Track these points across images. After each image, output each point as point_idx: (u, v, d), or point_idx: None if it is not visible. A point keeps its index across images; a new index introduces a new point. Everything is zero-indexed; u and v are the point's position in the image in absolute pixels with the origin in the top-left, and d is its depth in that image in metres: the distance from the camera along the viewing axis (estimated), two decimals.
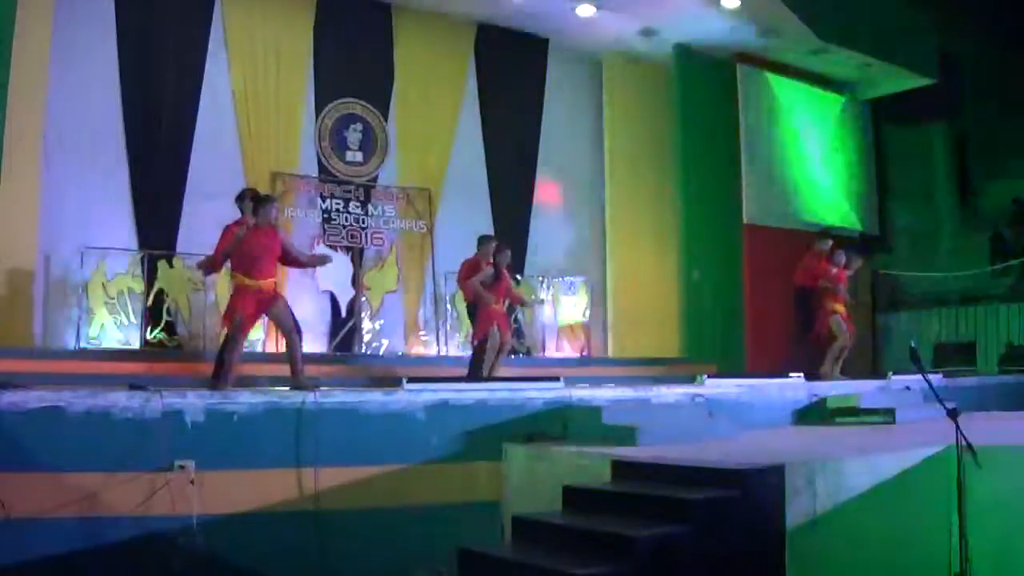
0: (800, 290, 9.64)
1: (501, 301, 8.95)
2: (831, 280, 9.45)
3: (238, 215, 7.22)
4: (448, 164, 11.56)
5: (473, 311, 8.89)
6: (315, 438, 5.49)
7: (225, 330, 6.91)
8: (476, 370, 8.56)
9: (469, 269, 8.81)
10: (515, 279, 11.61)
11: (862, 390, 8.39)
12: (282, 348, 8.07)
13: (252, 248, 6.64)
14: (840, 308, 9.55)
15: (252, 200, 6.97)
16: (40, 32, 8.94)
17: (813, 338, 9.54)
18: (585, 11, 11.43)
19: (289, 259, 7.22)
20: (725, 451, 5.39)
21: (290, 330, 6.75)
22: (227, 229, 6.98)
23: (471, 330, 9.21)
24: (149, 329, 9.35)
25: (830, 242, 9.80)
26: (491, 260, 8.83)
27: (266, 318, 7.33)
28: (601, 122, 12.88)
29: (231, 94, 10.18)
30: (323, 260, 7.86)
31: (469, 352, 9.35)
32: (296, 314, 6.84)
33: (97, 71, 9.43)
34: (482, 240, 9.02)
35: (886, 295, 15.58)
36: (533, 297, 11.61)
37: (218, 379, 6.58)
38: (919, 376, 5.65)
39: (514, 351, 11.42)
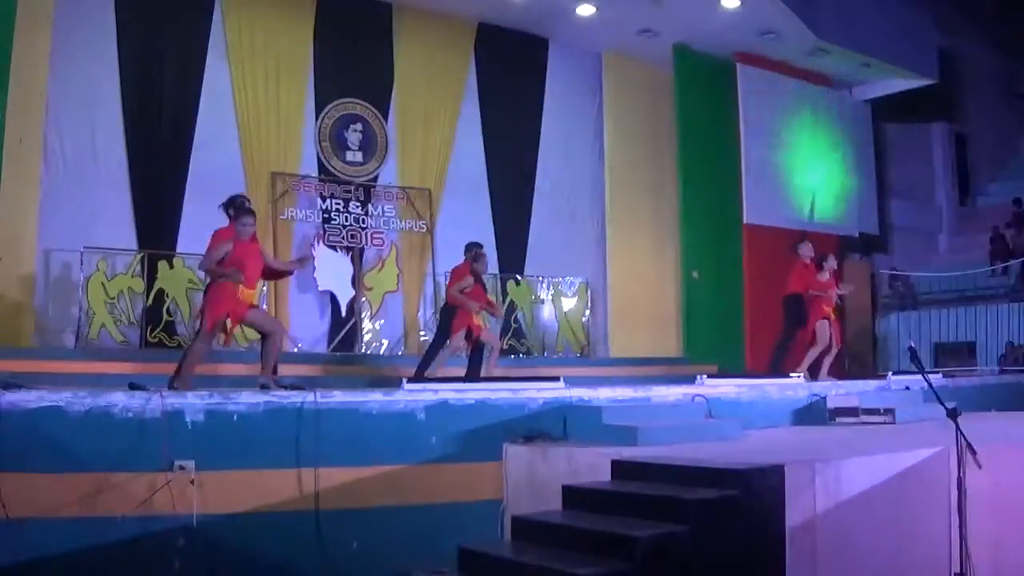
0: (791, 297, 9.55)
1: (483, 308, 8.87)
2: (821, 289, 9.39)
3: None
4: (448, 164, 11.56)
5: (448, 316, 8.89)
6: (315, 438, 5.49)
7: (201, 327, 6.63)
8: (423, 368, 8.58)
9: (458, 277, 8.82)
10: (515, 279, 11.65)
11: (862, 390, 8.39)
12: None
13: (242, 259, 6.47)
14: (830, 312, 9.49)
15: (233, 210, 6.73)
16: (40, 33, 8.96)
17: (808, 339, 9.48)
18: (585, 11, 11.44)
19: (271, 271, 7.14)
20: (725, 451, 5.39)
21: (275, 329, 6.68)
22: (216, 235, 6.76)
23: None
24: (149, 329, 9.35)
25: (809, 244, 9.73)
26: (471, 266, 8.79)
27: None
28: (601, 122, 12.88)
29: (231, 94, 10.18)
30: (303, 262, 7.80)
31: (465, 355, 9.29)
32: (297, 314, 6.83)
33: (97, 72, 9.43)
34: (469, 247, 9.01)
35: (886, 295, 15.60)
36: (533, 301, 11.61)
37: (181, 378, 6.27)
38: (919, 376, 5.66)
39: (514, 351, 11.45)
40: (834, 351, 9.52)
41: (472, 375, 8.44)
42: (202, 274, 9.46)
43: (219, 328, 6.53)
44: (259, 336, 6.84)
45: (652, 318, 12.58)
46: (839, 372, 9.74)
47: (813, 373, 9.30)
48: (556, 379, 6.86)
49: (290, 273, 7.82)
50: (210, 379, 7.17)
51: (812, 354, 9.33)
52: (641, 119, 12.89)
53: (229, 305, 6.43)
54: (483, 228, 11.13)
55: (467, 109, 11.75)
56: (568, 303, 12.22)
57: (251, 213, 6.70)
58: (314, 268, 10.24)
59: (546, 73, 12.41)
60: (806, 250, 9.60)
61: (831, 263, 9.65)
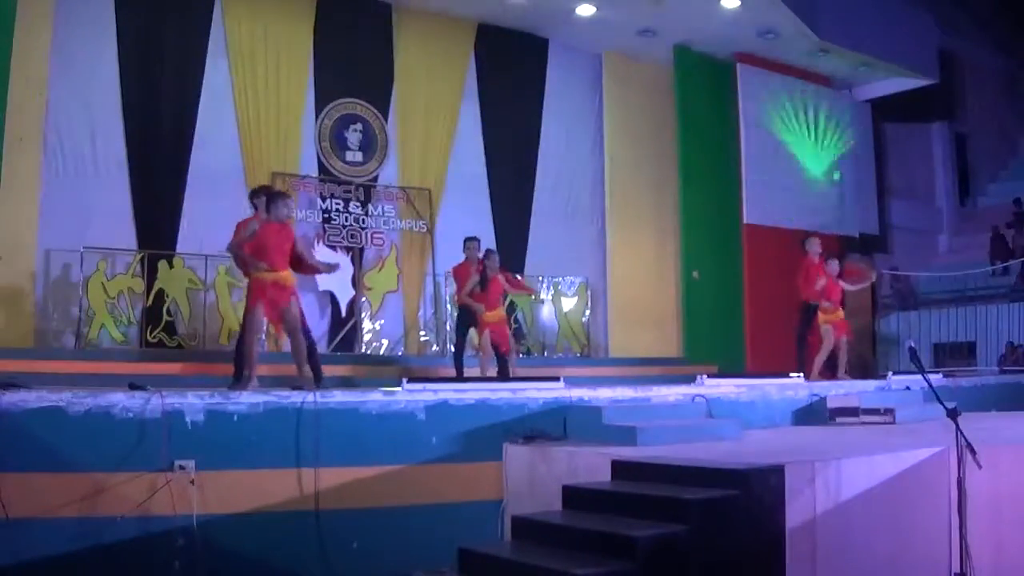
0: (805, 303, 9.62)
1: (496, 307, 8.89)
2: (816, 298, 9.42)
3: (238, 212, 7.20)
4: (448, 164, 11.57)
5: (463, 317, 8.92)
6: (315, 438, 5.49)
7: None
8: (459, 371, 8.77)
9: (461, 276, 8.81)
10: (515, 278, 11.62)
11: (862, 390, 8.39)
12: (282, 348, 8.08)
13: (263, 241, 6.56)
14: (831, 316, 9.52)
15: (265, 196, 6.95)
16: (40, 33, 8.96)
17: (814, 345, 9.55)
18: (585, 11, 11.44)
19: (300, 261, 7.17)
20: (725, 451, 5.39)
21: (295, 330, 6.71)
22: (239, 225, 6.93)
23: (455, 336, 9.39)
24: (149, 329, 9.36)
25: (817, 241, 9.76)
26: (478, 264, 8.79)
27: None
28: (601, 122, 12.89)
29: (231, 94, 10.19)
30: (332, 268, 7.85)
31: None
32: None
33: (97, 71, 9.45)
34: (466, 242, 9.02)
35: (886, 295, 15.60)
36: (533, 298, 11.64)
37: (238, 379, 6.56)
38: (919, 376, 5.66)
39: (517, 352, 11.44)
40: (844, 346, 9.56)
41: (503, 375, 8.47)
42: (202, 273, 9.53)
43: (255, 321, 6.57)
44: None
45: (652, 318, 12.59)
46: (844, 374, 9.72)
47: (830, 371, 9.36)
48: (556, 379, 6.85)
49: (316, 271, 7.87)
50: (221, 379, 7.19)
51: (820, 359, 9.38)
52: (641, 119, 12.90)
53: (263, 300, 6.51)
54: (483, 228, 11.11)
55: (467, 109, 11.77)
56: (568, 303, 12.23)
57: (285, 196, 7.03)
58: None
59: (546, 73, 12.43)
60: (814, 246, 9.65)
61: (832, 267, 9.69)
